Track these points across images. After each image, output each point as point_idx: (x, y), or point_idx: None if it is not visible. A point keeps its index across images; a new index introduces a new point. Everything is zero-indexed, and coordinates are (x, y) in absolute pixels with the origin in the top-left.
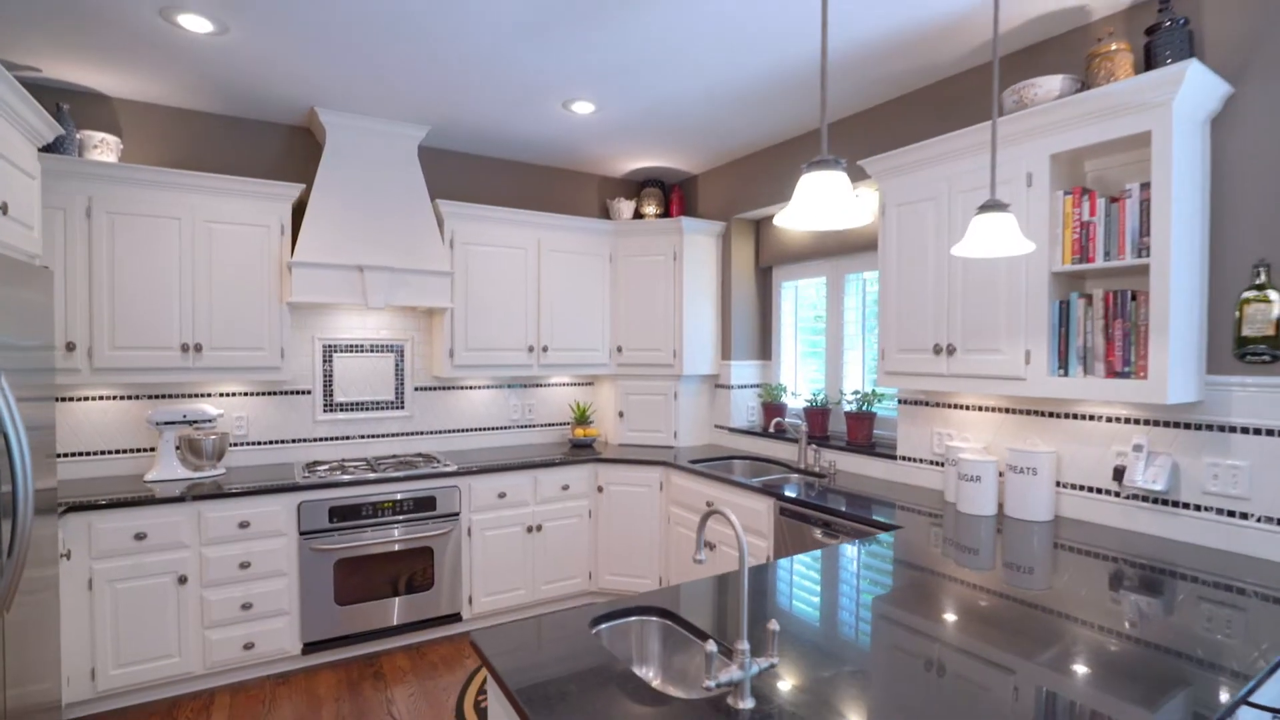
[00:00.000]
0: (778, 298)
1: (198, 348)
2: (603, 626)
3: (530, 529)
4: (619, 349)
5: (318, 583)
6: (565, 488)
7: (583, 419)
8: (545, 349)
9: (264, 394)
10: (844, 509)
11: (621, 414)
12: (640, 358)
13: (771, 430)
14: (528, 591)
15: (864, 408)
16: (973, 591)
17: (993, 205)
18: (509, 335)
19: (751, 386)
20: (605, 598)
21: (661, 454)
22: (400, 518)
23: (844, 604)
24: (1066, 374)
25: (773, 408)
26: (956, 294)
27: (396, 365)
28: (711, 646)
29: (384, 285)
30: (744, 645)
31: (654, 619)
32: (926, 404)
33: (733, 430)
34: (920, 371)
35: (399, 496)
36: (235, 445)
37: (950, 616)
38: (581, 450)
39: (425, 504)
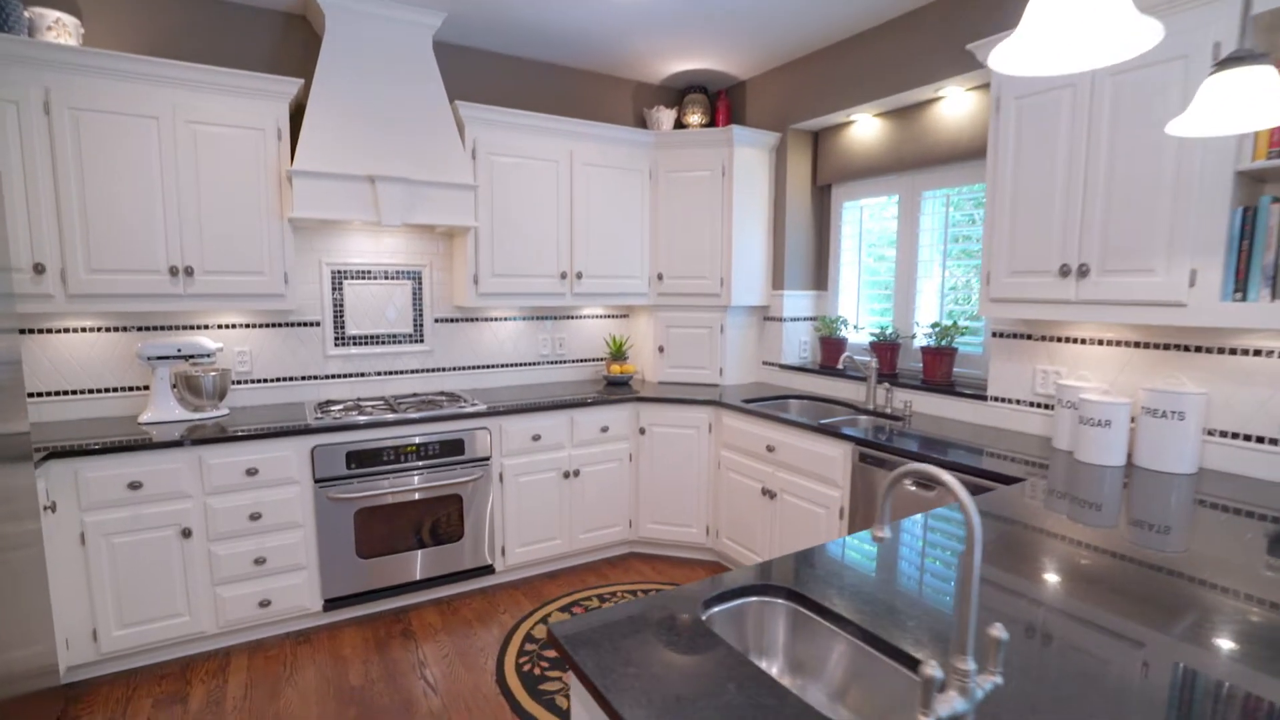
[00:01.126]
0: (837, 220)
1: (188, 271)
2: (715, 610)
3: (566, 474)
4: (659, 277)
5: (337, 535)
6: (604, 430)
7: (619, 354)
8: (579, 276)
9: (268, 326)
10: (945, 457)
11: (661, 349)
12: (683, 287)
13: (832, 367)
14: (564, 541)
15: (943, 342)
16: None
17: (1241, 58)
18: (539, 260)
19: (805, 320)
20: (647, 548)
21: (706, 393)
22: (425, 463)
23: (1017, 587)
24: (1245, 298)
25: (831, 343)
26: (1095, 203)
27: (414, 294)
28: (933, 670)
29: (399, 200)
30: (968, 663)
31: (780, 601)
32: (1030, 337)
33: (784, 367)
34: (1039, 298)
35: (423, 440)
36: (238, 383)
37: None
38: (618, 389)
39: (452, 448)
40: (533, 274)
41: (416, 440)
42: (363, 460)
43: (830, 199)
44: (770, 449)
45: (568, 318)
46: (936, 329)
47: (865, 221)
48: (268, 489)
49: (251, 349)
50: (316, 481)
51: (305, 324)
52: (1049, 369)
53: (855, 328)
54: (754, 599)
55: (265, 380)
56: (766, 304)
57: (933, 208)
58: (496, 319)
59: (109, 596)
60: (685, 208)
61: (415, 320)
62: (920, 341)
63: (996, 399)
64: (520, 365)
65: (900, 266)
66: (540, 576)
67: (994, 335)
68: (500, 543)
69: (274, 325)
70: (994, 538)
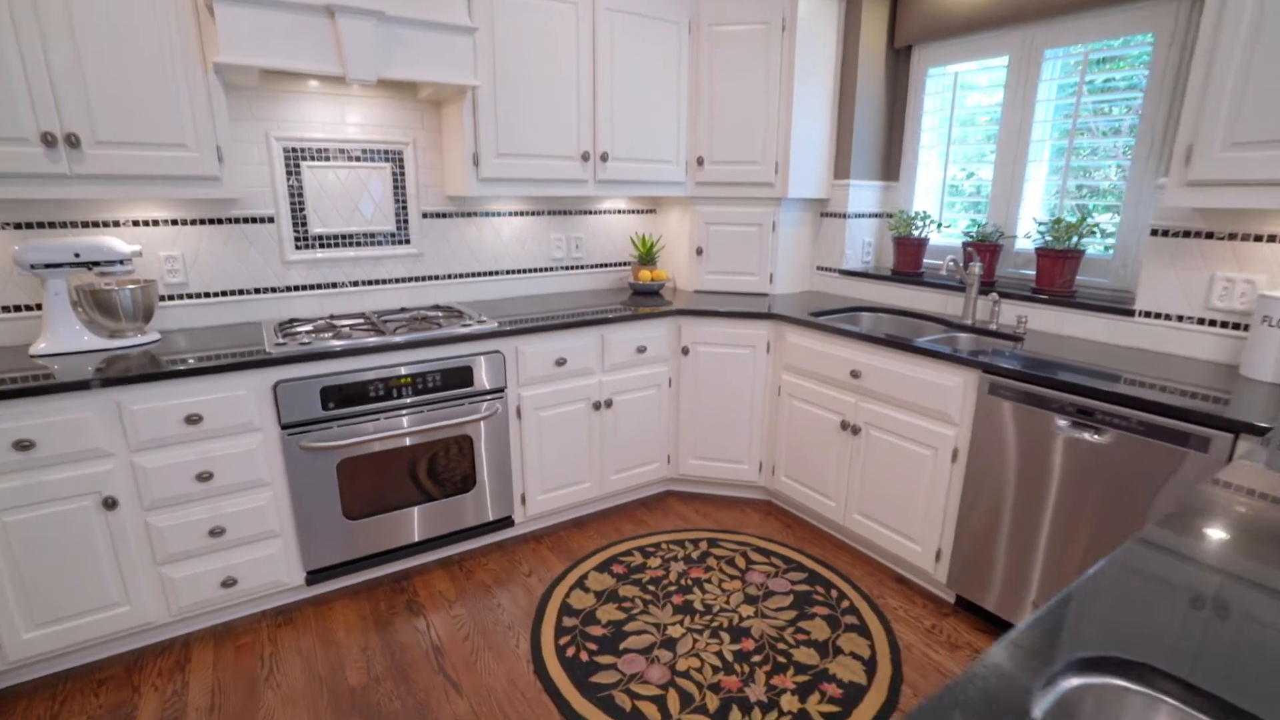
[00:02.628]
0: (918, 92)
1: (72, 141)
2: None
3: (597, 405)
4: (699, 161)
5: (316, 493)
6: (641, 350)
7: (648, 257)
8: (605, 158)
9: (204, 222)
10: (1123, 391)
11: (700, 251)
12: (728, 174)
13: (909, 273)
14: (594, 484)
15: (1068, 243)
16: None
17: None
18: (554, 136)
19: (870, 217)
20: (688, 485)
21: (757, 303)
22: (423, 398)
23: None
24: None
25: (909, 244)
26: None
27: (395, 181)
28: None
29: (370, 43)
30: None
31: (1156, 694)
32: (1211, 236)
33: (845, 273)
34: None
35: (419, 369)
36: (169, 299)
37: None
38: (649, 299)
39: (458, 377)
40: (547, 154)
41: (411, 370)
42: (344, 397)
43: (909, 66)
44: (855, 374)
45: (585, 213)
46: (1056, 226)
47: (957, 93)
48: (218, 440)
49: (184, 253)
50: (284, 428)
51: (254, 219)
52: (1237, 277)
53: (939, 226)
54: (1105, 681)
55: (206, 295)
56: (826, 197)
57: (1054, 71)
58: (499, 214)
59: (8, 591)
60: (732, 72)
61: (398, 215)
62: (1031, 243)
63: (1148, 314)
64: (529, 272)
65: (1003, 150)
66: (566, 525)
67: (1154, 234)
68: (520, 490)
69: (212, 221)
70: None
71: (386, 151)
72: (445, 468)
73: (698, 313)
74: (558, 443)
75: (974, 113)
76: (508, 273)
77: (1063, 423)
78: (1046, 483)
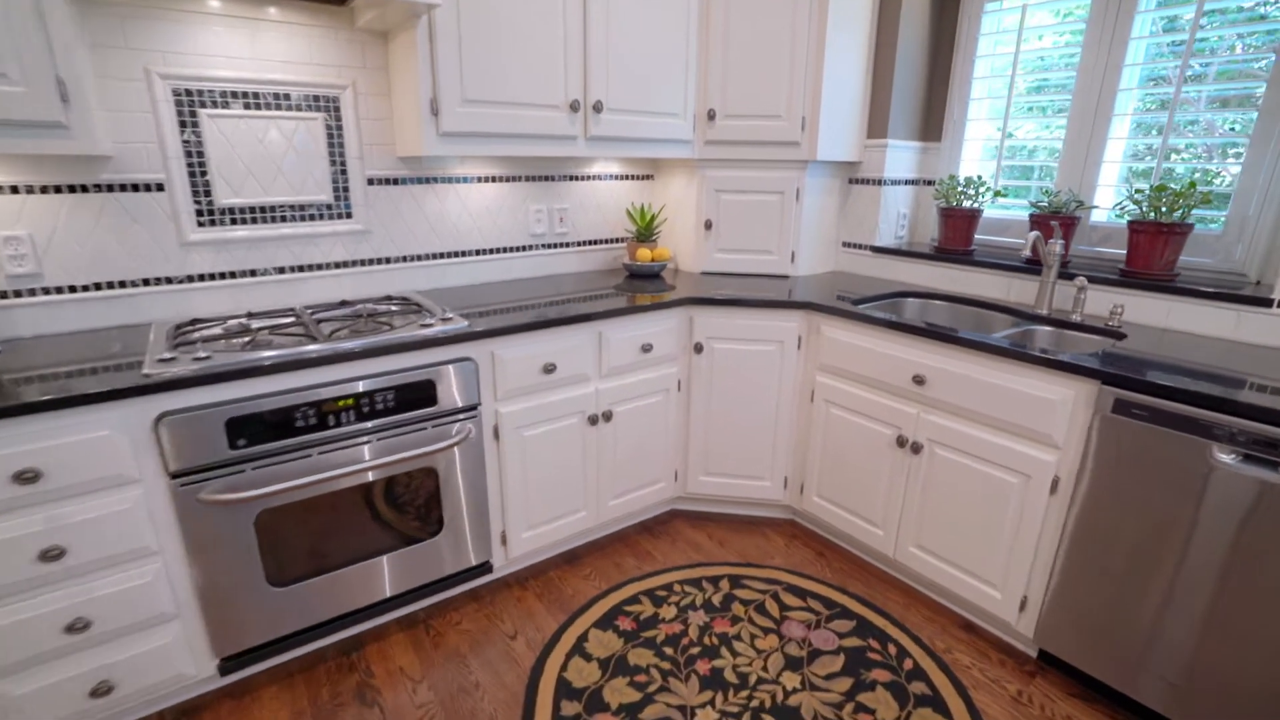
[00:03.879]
0: (970, 37)
1: None
2: None
3: (593, 419)
4: (710, 115)
5: (228, 557)
6: (646, 349)
7: (647, 232)
8: (598, 108)
9: (61, 189)
10: None
11: (709, 224)
12: (744, 131)
13: (958, 251)
14: (590, 513)
15: (1175, 215)
16: None
17: None
18: (538, 79)
19: (908, 183)
20: (696, 504)
21: (777, 288)
22: (374, 424)
23: None
24: None
25: (958, 216)
26: None
27: (330, 137)
28: None
29: None
30: None
31: None
32: None
33: (878, 250)
34: None
35: (369, 385)
36: (12, 296)
37: None
38: (648, 283)
39: (418, 394)
40: (526, 102)
41: (356, 387)
42: (261, 430)
43: (960, 7)
44: (919, 380)
45: (571, 178)
46: (1160, 194)
47: (1022, 37)
48: (70, 502)
49: (31, 233)
50: (173, 476)
51: (137, 186)
52: None
53: (995, 195)
54: None
55: (70, 290)
56: (858, 159)
57: (1147, 4)
58: (466, 179)
59: None
60: (753, 7)
61: (336, 181)
62: (1118, 214)
63: None
64: (503, 252)
65: (1079, 104)
66: (556, 560)
67: None
68: (499, 527)
69: (74, 189)
70: None
71: (317, 98)
72: (404, 508)
73: (714, 302)
74: (546, 467)
75: (1042, 61)
76: (477, 253)
77: (1226, 457)
78: (1194, 529)
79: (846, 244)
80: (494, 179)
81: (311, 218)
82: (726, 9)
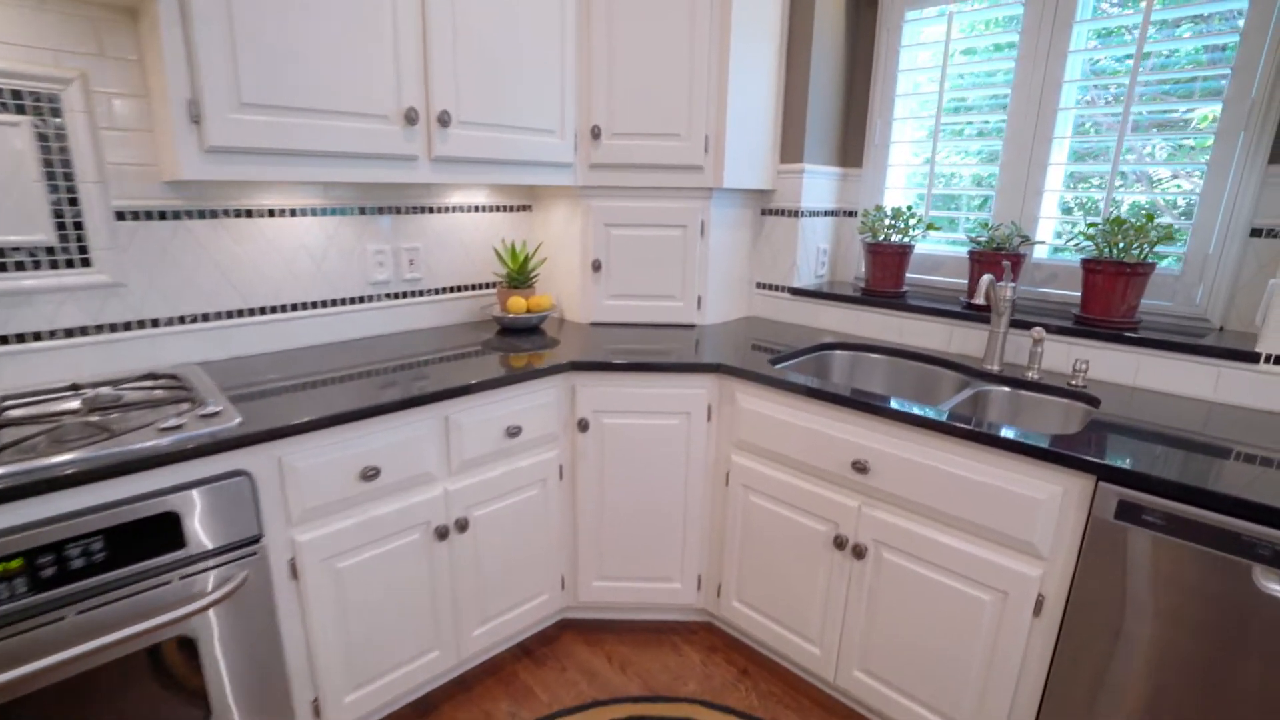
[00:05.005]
0: (890, 48)
1: None
2: None
3: (443, 532)
4: (594, 132)
5: None
6: (513, 432)
7: (522, 276)
8: (445, 120)
9: None
10: None
11: (598, 265)
12: (637, 152)
13: (887, 293)
14: (446, 652)
15: (1136, 252)
16: None
17: None
18: (354, 79)
19: (827, 214)
20: (593, 612)
21: (681, 342)
22: (72, 588)
23: None
24: None
25: (887, 253)
26: None
27: (45, 151)
28: None
29: None
30: None
31: None
32: None
33: (797, 293)
34: None
35: (67, 530)
36: None
37: None
38: (525, 340)
39: (148, 536)
40: (340, 110)
41: (39, 537)
42: None
43: (877, 17)
44: (860, 467)
45: (422, 209)
46: (1116, 229)
47: (949, 50)
48: None
49: None
50: None
51: None
52: None
53: (924, 227)
54: None
55: None
56: (771, 187)
57: (1087, 11)
58: (274, 212)
59: None
60: (642, 8)
61: (60, 214)
62: (1079, 251)
63: None
64: (332, 306)
65: (1016, 125)
66: (406, 713)
67: (1259, 234)
68: (310, 695)
69: None
70: None
71: (24, 94)
72: (144, 701)
73: (601, 366)
74: (376, 605)
75: (969, 79)
76: (292, 308)
77: (1267, 581)
78: (1232, 678)
79: (761, 285)
80: (316, 211)
81: (21, 266)
82: (610, 9)
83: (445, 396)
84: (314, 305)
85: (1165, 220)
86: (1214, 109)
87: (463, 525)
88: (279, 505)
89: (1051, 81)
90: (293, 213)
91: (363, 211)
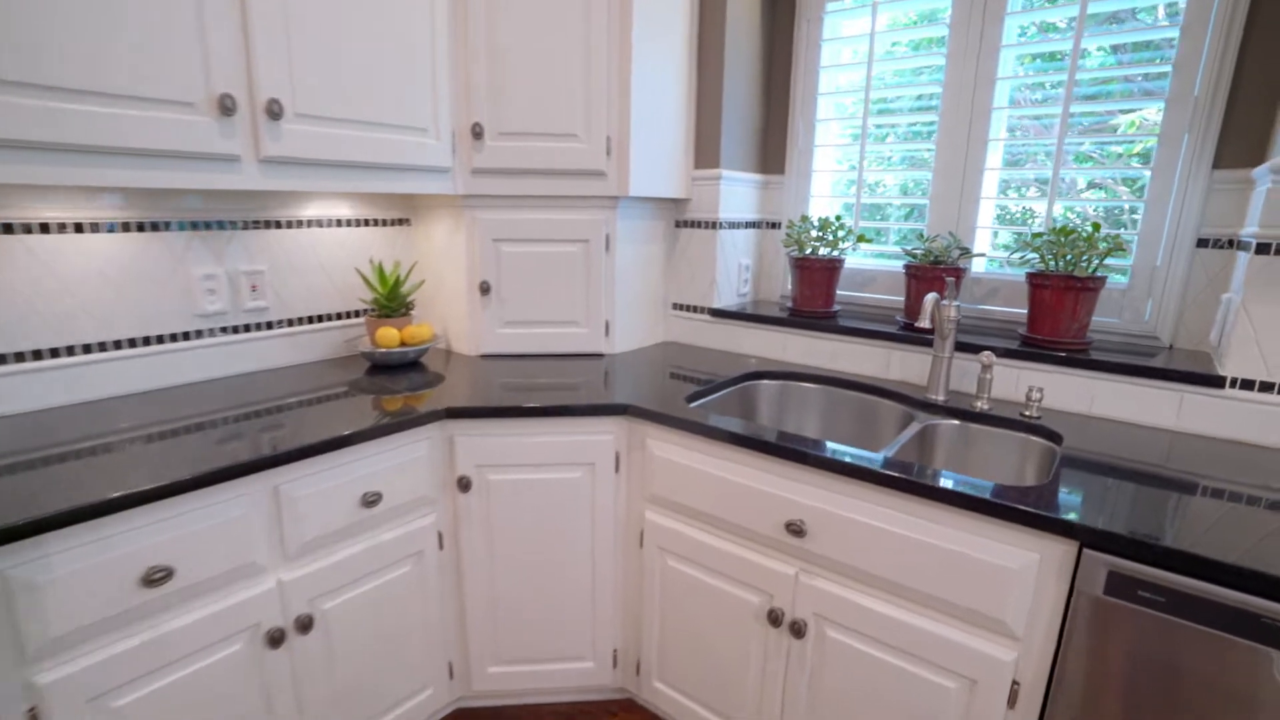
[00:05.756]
0: (811, 41)
1: None
2: None
3: (276, 636)
4: (475, 132)
5: None
6: (371, 500)
7: (395, 301)
8: (275, 110)
9: None
10: None
11: (486, 287)
12: (526, 155)
13: (817, 313)
14: None
15: (1085, 266)
16: None
17: None
18: (145, 52)
19: (749, 226)
20: (491, 699)
21: (586, 376)
22: None
23: None
24: None
25: (815, 269)
26: None
27: None
28: None
29: None
30: None
31: None
32: None
33: (718, 314)
34: None
35: None
36: None
37: None
38: (400, 378)
39: None
40: (125, 93)
41: None
42: None
43: (796, 8)
44: (796, 529)
45: (265, 224)
46: (1062, 239)
47: (874, 45)
48: None
49: None
50: None
51: None
52: None
53: (855, 240)
54: None
55: None
56: (686, 196)
57: (1019, 2)
58: (48, 227)
59: None
60: None
61: None
62: (1025, 265)
63: (1250, 385)
64: (144, 346)
65: (948, 126)
66: None
67: (1259, 251)
68: None
69: None
70: None
71: None
72: None
73: (482, 412)
74: None
75: (893, 74)
76: (85, 350)
77: None
78: None
79: (678, 306)
80: (114, 227)
81: None
82: None
83: (272, 464)
84: (119, 345)
85: (1109, 230)
86: (1154, 109)
87: (305, 624)
88: (8, 629)
89: (984, 79)
90: (78, 228)
91: (182, 227)
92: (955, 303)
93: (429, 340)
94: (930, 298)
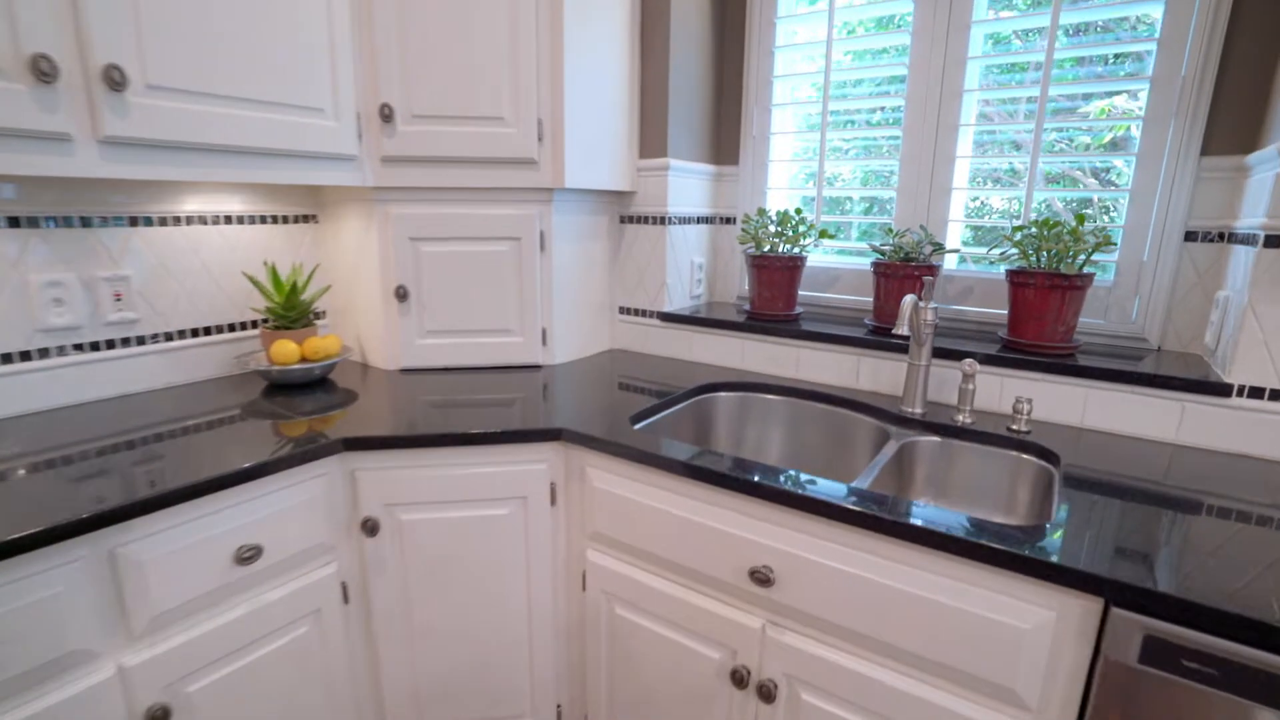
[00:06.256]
0: (765, 18)
1: None
2: None
3: None
4: (384, 114)
5: None
6: (248, 556)
7: (291, 310)
8: (116, 79)
9: None
10: None
11: (403, 293)
12: (445, 141)
13: (779, 317)
14: None
15: (1071, 261)
16: None
17: None
18: None
19: (701, 221)
20: None
21: (521, 388)
22: None
23: None
24: None
25: (775, 268)
26: None
27: None
28: None
29: None
30: None
31: None
32: None
33: (669, 319)
34: None
35: None
36: None
37: None
38: (303, 399)
39: None
40: None
41: None
42: None
43: None
44: (761, 578)
45: (130, 221)
46: (1047, 232)
47: (834, 22)
48: None
49: None
50: None
51: None
52: None
53: (820, 235)
54: None
55: None
56: (630, 189)
57: None
58: None
59: None
60: None
61: None
62: (1006, 261)
63: (1259, 393)
64: None
65: (915, 111)
66: None
67: (1269, 244)
68: None
69: None
70: None
71: None
72: None
73: (389, 442)
74: None
75: (855, 52)
76: None
77: None
78: None
79: (625, 310)
80: None
81: None
82: None
83: (102, 523)
84: None
85: (1092, 223)
86: (1142, 90)
87: (160, 716)
88: None
89: (954, 58)
90: None
91: (14, 224)
92: (932, 304)
93: (337, 354)
94: (908, 300)
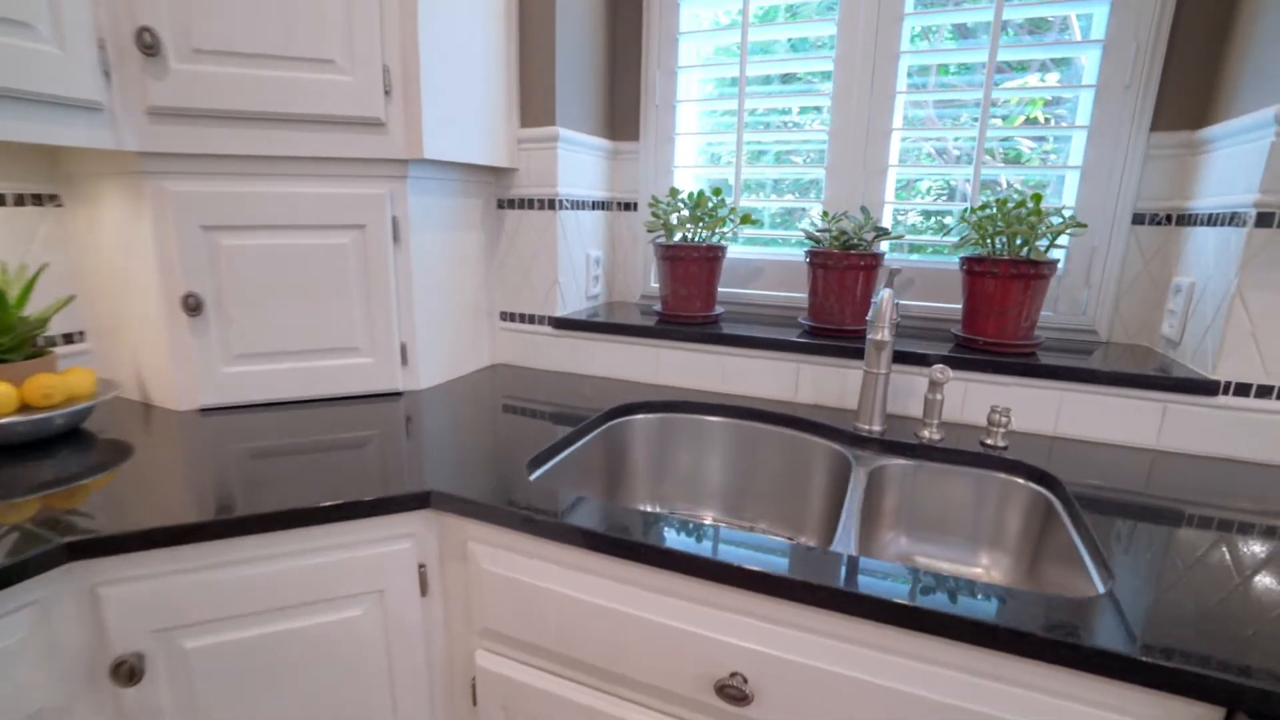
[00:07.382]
0: None
1: None
2: None
3: None
4: (145, 41)
5: None
6: None
7: (5, 332)
8: None
9: None
10: None
11: (196, 304)
12: (249, 88)
13: (697, 318)
14: None
15: (1029, 247)
16: None
17: None
18: None
19: (597, 206)
20: None
21: (373, 424)
22: None
23: None
24: None
25: (691, 260)
26: None
27: None
28: None
29: None
30: None
31: None
32: None
33: (562, 325)
34: None
35: None
36: None
37: None
38: (36, 466)
39: None
40: None
41: None
42: None
43: None
44: (733, 692)
45: None
46: (1003, 213)
47: None
48: None
49: None
50: None
51: None
52: None
53: (743, 220)
54: None
55: None
56: (510, 165)
57: None
58: None
59: None
60: None
61: None
62: (953, 250)
63: (1245, 390)
64: None
65: (844, 75)
66: None
67: (1260, 223)
68: None
69: None
70: None
71: None
72: None
73: (149, 539)
74: None
75: (773, 8)
76: None
77: None
78: None
79: (508, 316)
80: None
81: None
82: None
83: None
84: None
85: (1054, 204)
86: (1094, 54)
87: None
88: None
89: (890, 14)
90: None
91: None
92: (895, 300)
93: (88, 396)
94: (885, 296)
